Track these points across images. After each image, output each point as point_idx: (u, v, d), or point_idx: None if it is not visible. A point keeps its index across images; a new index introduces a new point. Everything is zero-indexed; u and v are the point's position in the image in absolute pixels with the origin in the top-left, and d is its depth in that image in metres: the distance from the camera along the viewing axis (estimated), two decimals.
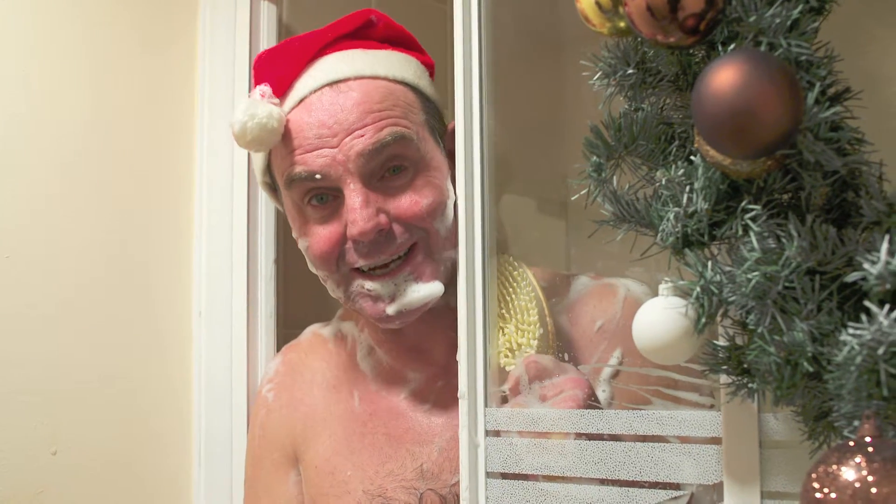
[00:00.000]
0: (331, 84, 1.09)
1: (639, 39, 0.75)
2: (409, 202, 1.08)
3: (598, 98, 0.78)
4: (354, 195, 1.07)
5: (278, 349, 1.40)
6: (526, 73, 1.29)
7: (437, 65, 1.23)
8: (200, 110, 1.49)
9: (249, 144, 1.09)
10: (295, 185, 1.10)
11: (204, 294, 1.45)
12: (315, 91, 1.09)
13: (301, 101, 1.10)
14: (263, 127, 1.07)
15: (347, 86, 1.09)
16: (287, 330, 1.45)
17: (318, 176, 1.07)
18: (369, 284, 1.10)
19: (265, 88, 1.10)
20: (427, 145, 1.12)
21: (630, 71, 0.75)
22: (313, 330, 1.35)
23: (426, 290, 1.10)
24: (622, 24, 0.74)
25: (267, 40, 1.46)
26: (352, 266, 1.11)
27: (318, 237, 1.11)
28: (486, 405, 1.04)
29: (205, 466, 1.42)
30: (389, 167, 1.09)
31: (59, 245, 1.31)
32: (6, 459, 1.23)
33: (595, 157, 0.77)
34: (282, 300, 1.46)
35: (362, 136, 1.06)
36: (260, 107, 1.08)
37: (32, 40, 1.30)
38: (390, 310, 1.10)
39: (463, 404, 1.04)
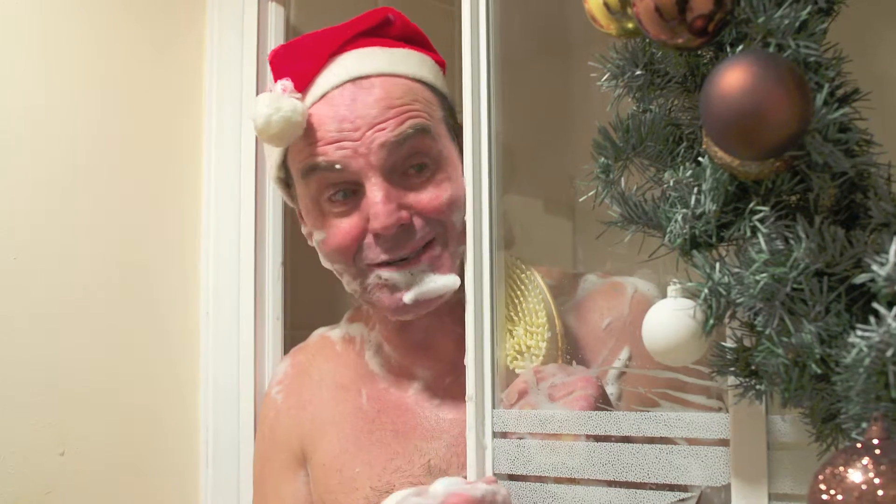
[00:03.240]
0: (353, 80, 1.10)
1: (647, 40, 0.75)
2: (429, 196, 1.09)
3: (606, 99, 0.78)
4: (376, 189, 1.08)
5: (286, 351, 1.40)
6: (533, 75, 1.29)
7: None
8: (208, 112, 1.49)
9: (272, 138, 1.10)
10: (313, 175, 1.10)
11: (211, 296, 1.45)
12: (337, 87, 1.10)
13: (323, 96, 1.11)
14: (288, 120, 1.08)
15: (370, 82, 1.10)
16: (294, 332, 1.45)
17: (337, 166, 1.08)
18: (386, 273, 1.10)
19: (287, 83, 1.11)
20: (445, 141, 1.13)
21: (638, 72, 0.75)
22: (321, 333, 1.35)
23: (443, 282, 1.10)
24: (630, 25, 0.74)
25: (274, 42, 1.46)
26: (370, 263, 1.11)
27: (337, 230, 1.11)
28: (493, 406, 1.04)
29: (212, 467, 1.42)
30: (411, 164, 1.10)
31: (66, 246, 1.31)
32: (14, 460, 1.23)
33: (603, 159, 0.77)
34: (289, 302, 1.46)
35: (384, 129, 1.07)
36: (284, 101, 1.08)
37: (40, 42, 1.31)
38: (407, 298, 1.10)
39: (471, 406, 1.04)
